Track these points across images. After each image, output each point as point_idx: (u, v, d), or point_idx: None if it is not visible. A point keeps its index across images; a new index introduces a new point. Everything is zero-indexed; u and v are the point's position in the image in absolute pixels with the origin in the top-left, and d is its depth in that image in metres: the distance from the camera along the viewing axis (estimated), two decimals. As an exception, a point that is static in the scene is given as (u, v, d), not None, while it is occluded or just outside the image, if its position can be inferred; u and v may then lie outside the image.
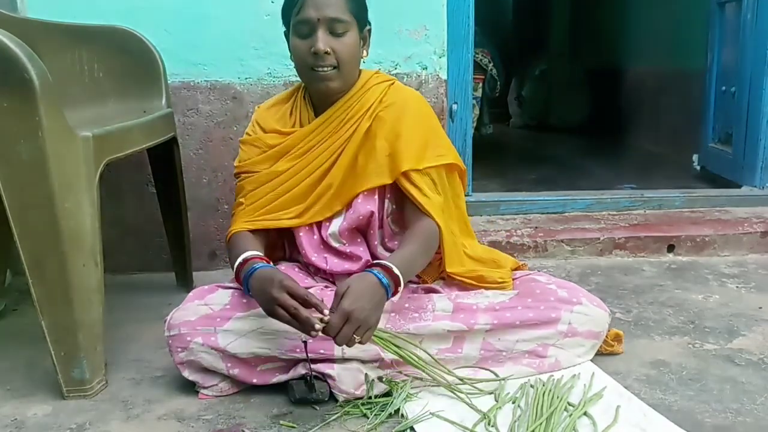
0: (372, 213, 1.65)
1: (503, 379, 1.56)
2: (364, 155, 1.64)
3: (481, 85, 4.00)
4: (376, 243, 1.70)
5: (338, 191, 1.65)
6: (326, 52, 1.55)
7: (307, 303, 1.39)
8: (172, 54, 2.25)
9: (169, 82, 2.17)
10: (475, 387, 1.53)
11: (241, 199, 1.70)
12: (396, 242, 1.72)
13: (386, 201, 1.68)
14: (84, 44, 2.11)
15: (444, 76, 2.53)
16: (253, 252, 1.54)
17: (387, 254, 1.71)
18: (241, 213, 1.68)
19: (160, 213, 2.29)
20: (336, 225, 1.67)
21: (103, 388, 1.61)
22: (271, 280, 1.42)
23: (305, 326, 1.37)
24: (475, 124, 3.74)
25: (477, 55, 3.75)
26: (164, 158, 2.17)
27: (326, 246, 1.70)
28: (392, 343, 1.50)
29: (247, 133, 1.74)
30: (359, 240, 1.70)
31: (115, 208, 2.43)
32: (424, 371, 1.51)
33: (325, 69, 1.57)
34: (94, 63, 2.12)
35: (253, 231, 1.66)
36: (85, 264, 1.52)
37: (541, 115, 6.32)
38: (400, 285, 1.47)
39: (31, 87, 1.40)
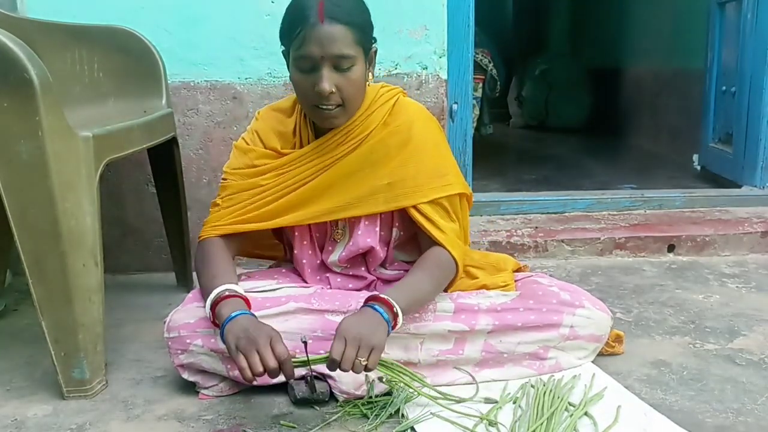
0: (372, 248, 1.64)
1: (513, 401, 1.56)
2: (360, 180, 1.59)
3: (481, 85, 4.00)
4: (372, 269, 1.70)
5: (321, 204, 1.60)
6: (331, 92, 1.47)
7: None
8: (172, 54, 2.25)
9: (169, 82, 2.16)
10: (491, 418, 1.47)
11: (218, 200, 1.66)
12: (397, 265, 1.72)
13: (394, 230, 1.65)
14: (84, 44, 2.11)
15: (444, 76, 2.52)
16: (226, 287, 1.48)
17: (387, 274, 1.70)
18: (215, 215, 1.65)
19: (160, 213, 2.29)
20: (336, 255, 1.66)
21: (103, 388, 1.61)
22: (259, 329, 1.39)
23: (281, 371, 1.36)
24: (475, 125, 3.74)
25: (477, 55, 3.75)
26: (164, 158, 2.17)
27: (328, 269, 1.70)
28: (400, 372, 1.48)
29: (244, 140, 1.68)
30: (359, 260, 1.69)
31: (115, 209, 2.43)
32: (434, 402, 1.48)
33: (330, 107, 1.50)
34: (94, 63, 2.12)
35: (226, 236, 1.63)
36: (85, 264, 1.52)
37: (541, 115, 6.33)
38: (398, 320, 1.43)
39: (32, 87, 1.39)
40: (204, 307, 1.55)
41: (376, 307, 1.42)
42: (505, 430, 1.38)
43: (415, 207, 1.57)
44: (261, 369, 1.34)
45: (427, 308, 1.58)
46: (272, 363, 1.33)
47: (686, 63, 4.45)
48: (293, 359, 1.40)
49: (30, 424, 1.48)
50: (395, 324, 1.44)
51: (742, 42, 3.20)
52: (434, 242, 1.58)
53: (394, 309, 1.43)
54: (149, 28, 2.18)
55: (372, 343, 1.36)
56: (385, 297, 1.44)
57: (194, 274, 2.26)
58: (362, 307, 1.46)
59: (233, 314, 1.42)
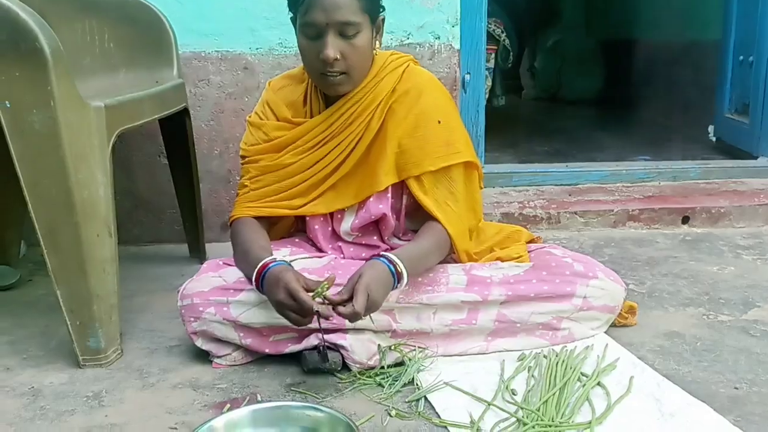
0: (384, 214, 1.63)
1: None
2: (376, 153, 1.60)
3: (493, 55, 3.95)
4: (386, 238, 1.69)
5: (347, 188, 1.62)
6: (336, 59, 1.48)
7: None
8: (182, 24, 2.24)
9: (179, 52, 2.15)
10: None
11: (245, 181, 1.67)
12: (410, 236, 1.71)
13: (404, 197, 1.65)
14: (94, 14, 2.10)
15: (457, 46, 2.49)
16: (268, 258, 1.48)
17: (400, 243, 1.70)
18: (245, 196, 1.66)
19: (173, 184, 2.29)
20: (348, 223, 1.66)
21: (118, 357, 1.62)
22: (276, 282, 1.40)
23: (305, 311, 1.38)
24: (487, 96, 3.70)
25: (490, 26, 3.70)
26: (176, 129, 2.17)
27: (340, 237, 1.70)
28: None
29: (257, 114, 1.68)
30: (372, 229, 1.69)
31: (127, 180, 2.43)
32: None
33: (334, 74, 1.51)
34: (105, 33, 2.11)
35: (256, 216, 1.65)
36: (99, 234, 1.53)
37: (554, 86, 6.25)
38: (402, 280, 1.45)
39: (43, 56, 1.39)
40: (218, 277, 1.57)
41: (390, 267, 1.44)
42: (519, 399, 1.38)
43: (416, 177, 1.57)
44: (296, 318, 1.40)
45: (440, 280, 1.58)
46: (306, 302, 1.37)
47: (701, 34, 4.38)
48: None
49: (47, 392, 1.49)
50: (396, 287, 1.46)
51: (761, 10, 3.14)
52: (432, 216, 1.59)
53: (399, 269, 1.44)
54: (160, -2, 2.16)
55: (379, 303, 1.41)
56: (398, 263, 1.45)
57: (207, 245, 2.32)
58: (375, 259, 1.46)
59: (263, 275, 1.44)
